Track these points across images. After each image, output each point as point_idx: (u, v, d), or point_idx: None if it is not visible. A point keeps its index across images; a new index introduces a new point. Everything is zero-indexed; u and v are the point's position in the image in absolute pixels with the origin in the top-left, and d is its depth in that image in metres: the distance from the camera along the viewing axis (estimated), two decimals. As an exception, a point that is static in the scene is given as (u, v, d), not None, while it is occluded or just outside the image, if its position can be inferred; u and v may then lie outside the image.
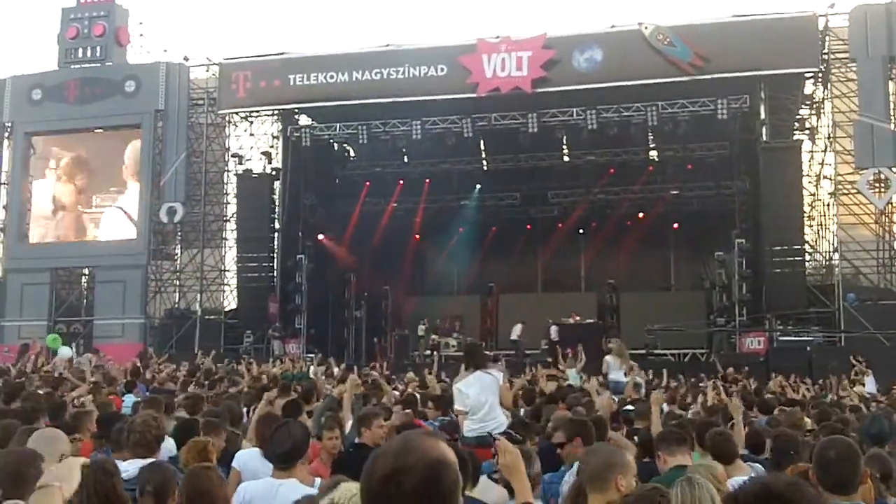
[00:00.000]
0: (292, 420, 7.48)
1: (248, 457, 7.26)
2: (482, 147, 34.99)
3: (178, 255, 37.60)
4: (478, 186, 36.84)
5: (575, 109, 31.40)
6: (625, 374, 17.75)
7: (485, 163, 35.98)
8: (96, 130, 36.65)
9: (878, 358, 25.66)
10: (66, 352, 25.50)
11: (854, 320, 29.20)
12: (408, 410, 10.89)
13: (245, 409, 10.83)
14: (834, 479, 4.83)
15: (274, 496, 5.85)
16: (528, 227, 37.43)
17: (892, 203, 30.67)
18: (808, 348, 28.55)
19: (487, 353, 29.34)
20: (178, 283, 37.22)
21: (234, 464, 7.13)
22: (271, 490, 5.90)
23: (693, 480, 4.78)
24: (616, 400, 13.13)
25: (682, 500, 4.53)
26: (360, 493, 2.68)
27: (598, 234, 37.53)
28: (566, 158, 35.25)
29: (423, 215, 38.04)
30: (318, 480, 6.41)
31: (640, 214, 36.15)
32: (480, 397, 9.91)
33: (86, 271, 37.01)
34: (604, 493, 4.75)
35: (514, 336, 32.65)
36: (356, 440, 8.24)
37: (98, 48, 36.51)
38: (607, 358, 18.87)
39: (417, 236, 38.95)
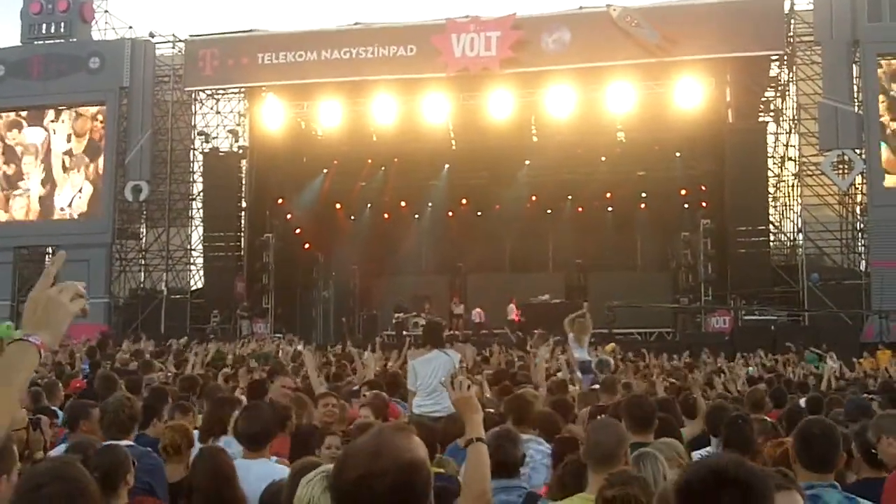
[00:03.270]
0: (261, 401, 7.48)
1: (229, 439, 7.07)
2: (451, 127, 34.91)
3: (144, 233, 37.40)
4: (446, 166, 36.78)
5: (543, 89, 31.42)
6: (589, 353, 17.78)
7: (453, 142, 35.90)
8: (60, 108, 36.26)
9: (840, 336, 26.02)
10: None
11: (817, 299, 29.58)
12: (377, 391, 10.89)
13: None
14: (815, 457, 4.91)
15: (246, 477, 5.78)
16: (496, 206, 37.43)
17: (855, 184, 30.98)
18: (773, 327, 28.84)
19: (456, 333, 29.71)
20: (143, 262, 37.03)
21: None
22: (243, 470, 5.82)
23: (646, 456, 4.82)
24: (581, 378, 13.25)
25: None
26: (329, 490, 2.70)
27: (565, 214, 37.61)
28: (535, 139, 35.24)
29: (391, 195, 37.96)
30: (273, 459, 6.43)
31: (608, 195, 36.19)
32: (433, 376, 9.93)
33: (49, 250, 36.66)
34: (615, 468, 4.71)
35: (510, 316, 32.51)
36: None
37: (62, 24, 36.13)
38: (570, 336, 18.91)
39: (386, 215, 38.86)
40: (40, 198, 36.22)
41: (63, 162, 36.08)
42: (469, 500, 3.82)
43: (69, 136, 36.08)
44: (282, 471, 5.65)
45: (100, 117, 35.85)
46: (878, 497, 5.31)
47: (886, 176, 29.92)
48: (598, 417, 7.19)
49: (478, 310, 33.53)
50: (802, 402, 10.02)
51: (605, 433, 4.96)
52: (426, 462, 2.60)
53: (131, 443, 6.34)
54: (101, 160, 35.56)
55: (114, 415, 6.56)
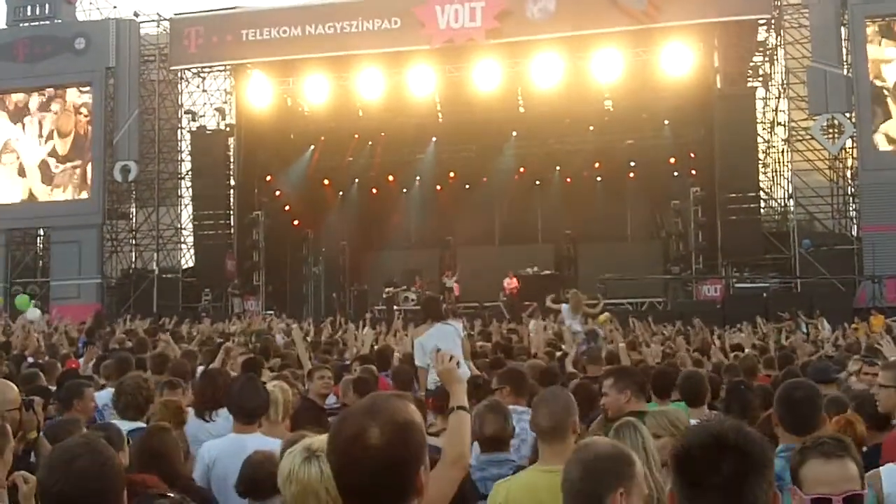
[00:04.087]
0: (254, 374, 7.45)
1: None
2: (437, 100, 34.81)
3: (134, 214, 37.31)
4: (433, 139, 36.68)
5: (529, 59, 31.30)
6: (581, 324, 17.88)
7: (440, 115, 35.80)
8: (47, 89, 36.06)
9: (832, 302, 26.10)
10: (33, 313, 25.31)
11: (809, 266, 29.57)
12: (367, 366, 10.87)
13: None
14: (798, 419, 4.91)
15: (242, 452, 5.68)
16: (485, 179, 37.38)
17: (845, 148, 30.91)
18: (765, 294, 28.90)
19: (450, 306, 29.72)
20: (134, 242, 36.92)
21: None
22: (238, 446, 5.79)
23: (625, 425, 4.80)
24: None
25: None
26: (326, 452, 2.71)
27: (554, 185, 37.59)
28: (521, 109, 35.13)
29: (378, 169, 37.89)
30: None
31: (596, 164, 36.21)
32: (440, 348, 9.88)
33: (41, 232, 36.61)
34: (564, 441, 4.73)
35: (508, 288, 32.48)
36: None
37: (46, 5, 35.82)
38: (563, 307, 19.06)
39: (374, 190, 38.82)
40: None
41: (48, 165, 35.90)
42: (446, 464, 3.81)
43: (52, 132, 35.85)
44: (278, 444, 5.64)
45: (84, 111, 35.61)
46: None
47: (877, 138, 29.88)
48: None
49: (454, 282, 33.60)
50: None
51: (553, 404, 4.90)
52: (421, 425, 2.66)
53: (143, 424, 6.36)
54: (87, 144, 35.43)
55: (131, 397, 6.59)
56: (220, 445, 6.05)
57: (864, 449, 5.77)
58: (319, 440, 3.55)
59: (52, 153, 35.89)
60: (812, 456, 3.44)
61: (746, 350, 13.51)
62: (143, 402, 6.61)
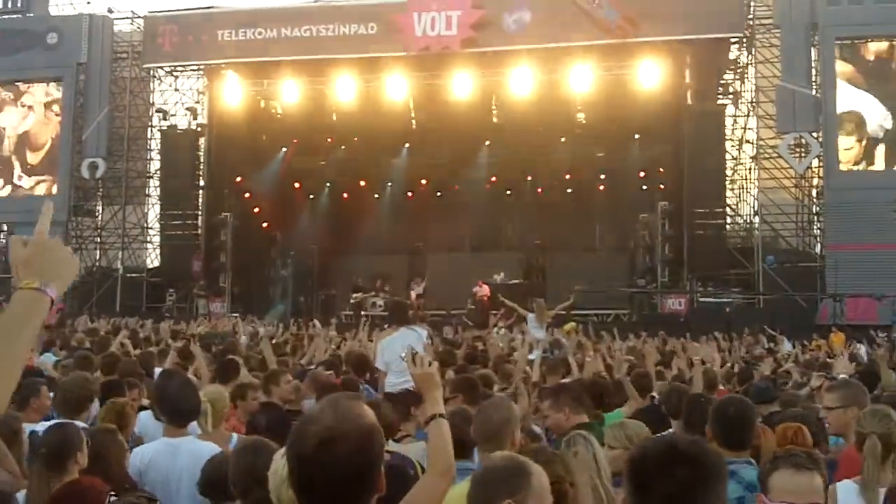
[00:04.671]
0: (183, 372, 7.37)
1: (146, 418, 6.99)
2: (411, 106, 34.82)
3: (100, 211, 37.04)
4: (406, 145, 36.70)
5: (504, 70, 31.41)
6: (545, 333, 18.03)
7: (413, 122, 35.80)
8: (17, 83, 35.80)
9: (794, 319, 26.35)
10: None
11: (772, 282, 29.80)
12: (330, 371, 10.84)
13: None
14: (731, 435, 5.01)
15: (175, 457, 5.65)
16: (456, 187, 37.43)
17: (811, 167, 31.27)
18: (728, 309, 29.11)
19: (416, 312, 29.71)
20: (99, 240, 36.66)
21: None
22: (170, 452, 5.70)
23: (576, 438, 4.84)
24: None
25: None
26: (287, 458, 2.72)
27: (525, 195, 37.72)
28: (495, 119, 35.20)
29: (350, 174, 37.86)
30: (234, 436, 6.35)
31: (567, 176, 36.40)
32: (402, 353, 9.85)
33: (4, 227, 36.26)
34: (499, 449, 4.69)
35: (480, 295, 32.43)
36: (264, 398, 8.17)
37: (19, -1, 35.66)
38: (529, 316, 19.22)
39: (345, 195, 38.76)
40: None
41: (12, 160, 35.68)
42: (435, 476, 3.81)
43: (21, 127, 35.62)
44: (214, 449, 5.60)
45: (55, 107, 35.35)
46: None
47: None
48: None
49: (422, 289, 33.61)
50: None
51: (493, 412, 4.93)
52: (380, 428, 2.67)
53: (84, 424, 6.28)
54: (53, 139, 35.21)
55: (69, 392, 6.50)
56: (150, 451, 5.87)
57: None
58: None
59: (18, 148, 35.58)
60: (783, 466, 3.58)
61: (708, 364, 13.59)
62: (77, 400, 6.49)
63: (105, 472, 5.01)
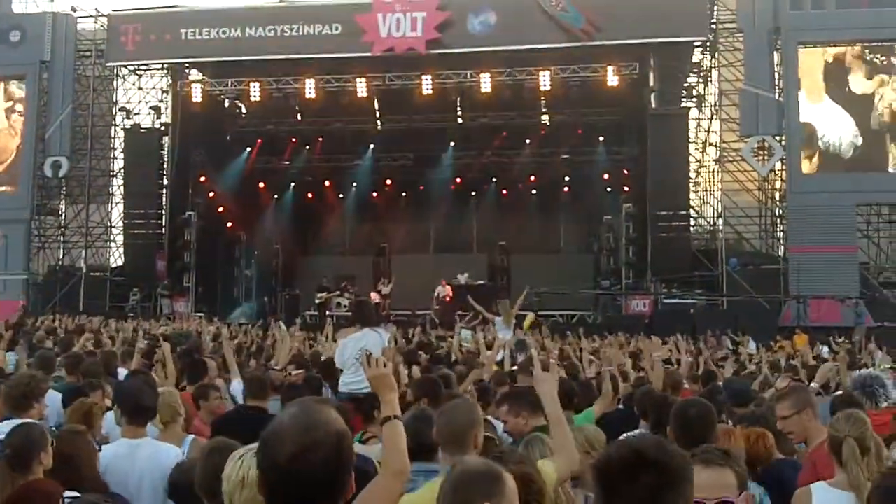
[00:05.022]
0: (143, 371, 7.34)
1: (111, 419, 6.82)
2: (376, 107, 34.82)
3: (63, 210, 36.71)
4: (371, 146, 36.65)
5: (469, 72, 31.45)
6: (512, 334, 18.07)
7: (378, 122, 35.78)
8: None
9: (757, 320, 26.53)
10: None
11: (736, 284, 30.05)
12: (300, 371, 10.83)
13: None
14: (693, 437, 5.05)
15: (133, 460, 5.59)
16: (421, 188, 37.50)
17: (774, 170, 31.54)
18: (692, 311, 29.31)
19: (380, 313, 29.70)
20: (62, 239, 36.32)
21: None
22: (129, 453, 5.64)
23: (534, 440, 4.87)
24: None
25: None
26: (260, 469, 2.72)
27: (490, 196, 37.86)
28: (459, 120, 35.26)
29: (315, 174, 37.81)
30: (189, 438, 6.32)
31: (532, 178, 36.59)
32: (358, 355, 9.83)
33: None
34: (465, 452, 4.66)
35: (442, 296, 32.46)
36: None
37: (-19, -5, 35.30)
38: (496, 319, 19.28)
39: (310, 195, 38.69)
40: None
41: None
42: (388, 477, 3.81)
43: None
44: (173, 450, 5.58)
45: (19, 107, 35.08)
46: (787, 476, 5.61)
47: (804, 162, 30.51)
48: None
49: (388, 290, 33.62)
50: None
51: (456, 415, 4.90)
52: (349, 432, 2.71)
53: (36, 420, 6.23)
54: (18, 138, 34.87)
55: (13, 390, 6.44)
56: (109, 453, 5.77)
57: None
58: None
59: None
60: (693, 463, 3.58)
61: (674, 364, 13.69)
62: (21, 397, 6.40)
63: (75, 473, 4.98)
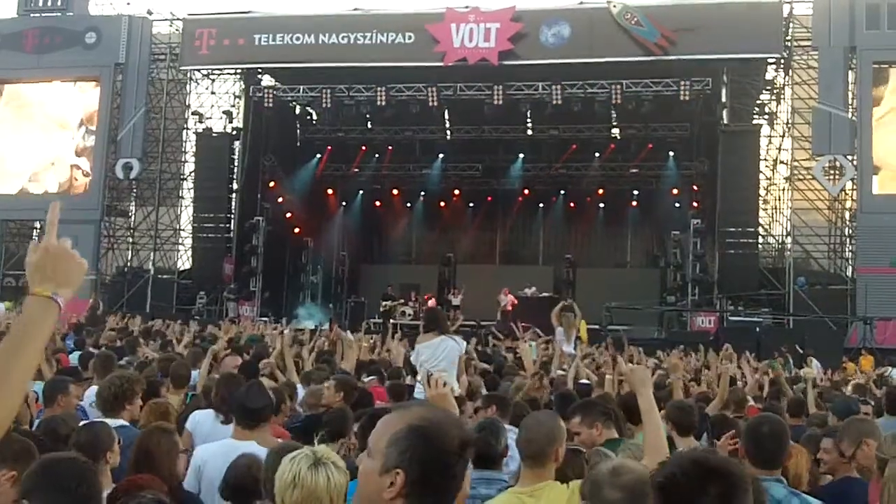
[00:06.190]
0: (261, 380, 7.43)
1: (203, 418, 7.03)
2: (446, 116, 34.94)
3: (133, 212, 37.26)
4: (440, 156, 36.72)
5: (540, 83, 31.38)
6: (574, 347, 17.85)
7: (448, 132, 35.90)
8: (54, 81, 36.09)
9: (823, 341, 26.09)
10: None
11: (803, 303, 29.66)
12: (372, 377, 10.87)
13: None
14: (764, 454, 5.04)
15: (227, 460, 5.53)
16: (489, 198, 37.56)
17: (845, 190, 31.11)
18: (757, 329, 28.94)
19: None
20: (131, 240, 36.87)
21: (186, 425, 6.92)
22: (230, 452, 5.63)
23: (599, 454, 4.84)
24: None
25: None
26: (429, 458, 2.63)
27: (557, 208, 37.76)
28: (529, 132, 35.26)
29: (383, 182, 37.98)
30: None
31: (600, 191, 36.43)
32: (436, 360, 9.82)
33: (37, 224, 36.42)
34: (544, 466, 4.72)
35: (504, 305, 32.33)
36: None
37: (59, -3, 35.94)
38: (558, 330, 18.97)
39: (377, 203, 38.88)
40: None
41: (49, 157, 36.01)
42: None
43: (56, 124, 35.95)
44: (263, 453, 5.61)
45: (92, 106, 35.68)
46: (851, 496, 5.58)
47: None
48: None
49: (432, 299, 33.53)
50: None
51: (537, 430, 4.88)
52: None
53: (125, 422, 6.33)
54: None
55: (104, 390, 6.57)
56: (212, 450, 5.95)
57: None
58: (322, 448, 3.59)
59: (56, 146, 35.91)
60: None
61: (739, 382, 13.53)
62: (125, 399, 6.54)
63: (154, 470, 5.08)
